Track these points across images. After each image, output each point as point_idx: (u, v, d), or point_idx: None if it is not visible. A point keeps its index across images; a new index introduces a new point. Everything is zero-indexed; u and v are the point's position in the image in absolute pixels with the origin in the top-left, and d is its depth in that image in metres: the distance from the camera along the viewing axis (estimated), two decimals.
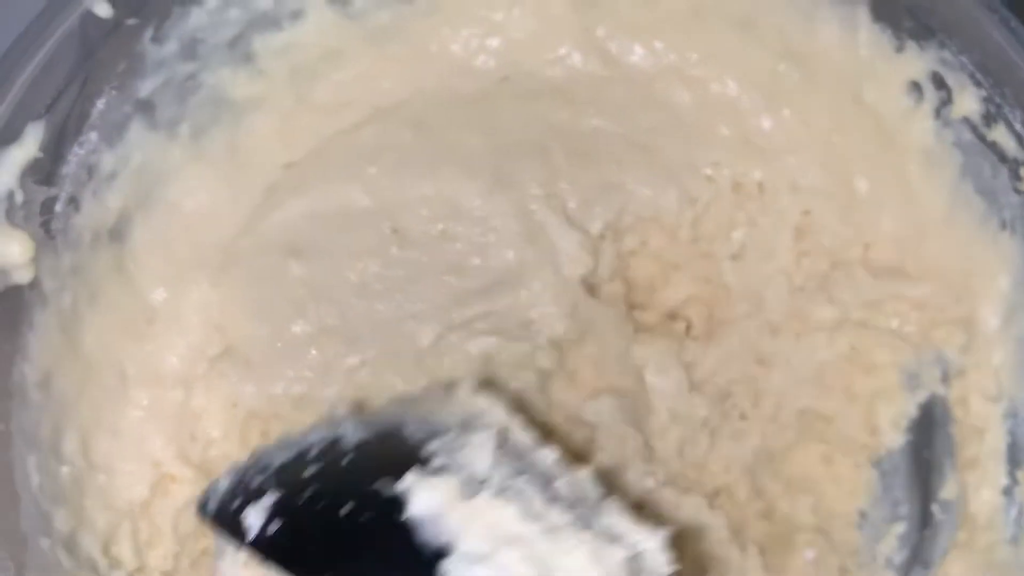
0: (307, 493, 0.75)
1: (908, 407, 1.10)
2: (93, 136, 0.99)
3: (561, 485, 0.79)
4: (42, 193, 0.96)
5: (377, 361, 1.09)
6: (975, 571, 0.98)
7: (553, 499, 0.76)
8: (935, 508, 1.06)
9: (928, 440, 1.09)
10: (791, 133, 1.12)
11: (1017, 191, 0.97)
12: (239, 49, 1.05)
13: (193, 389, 1.08)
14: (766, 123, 1.12)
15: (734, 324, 1.14)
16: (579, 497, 0.79)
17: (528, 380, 1.10)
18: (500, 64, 1.13)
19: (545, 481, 0.78)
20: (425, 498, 0.71)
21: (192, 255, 1.09)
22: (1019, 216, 0.98)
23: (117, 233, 1.04)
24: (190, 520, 1.05)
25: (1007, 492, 0.99)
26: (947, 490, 1.05)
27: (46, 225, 0.97)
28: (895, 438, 1.11)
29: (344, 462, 0.78)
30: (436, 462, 0.74)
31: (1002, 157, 0.98)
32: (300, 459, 0.79)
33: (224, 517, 0.76)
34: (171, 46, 1.01)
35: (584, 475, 0.82)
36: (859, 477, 1.12)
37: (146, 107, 1.02)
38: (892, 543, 1.09)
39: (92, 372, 1.03)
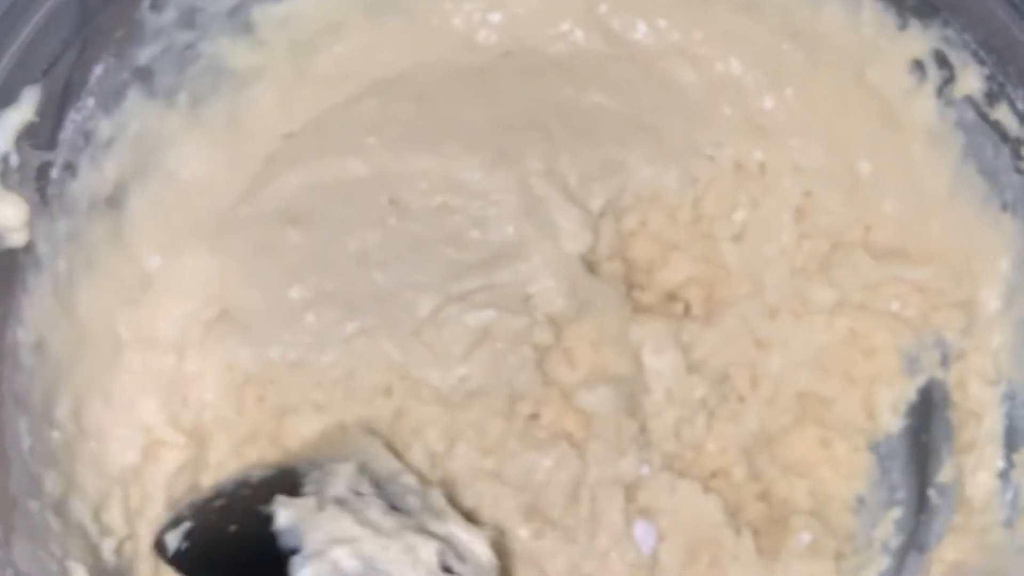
0: (212, 519, 0.98)
1: (907, 391, 1.10)
2: (90, 102, 0.99)
3: (411, 499, 0.98)
4: (38, 157, 0.96)
5: (374, 329, 1.09)
6: (969, 554, 0.97)
7: (393, 511, 0.95)
8: (931, 492, 1.06)
9: (926, 424, 1.08)
10: (794, 113, 1.11)
11: (1019, 171, 0.96)
12: (238, 19, 1.05)
13: (187, 354, 1.08)
14: (769, 103, 1.12)
15: (733, 306, 1.14)
16: (427, 509, 0.98)
17: (525, 355, 1.09)
18: (502, 39, 1.13)
19: (399, 497, 0.98)
20: (285, 514, 0.93)
21: (189, 223, 1.08)
22: (1020, 197, 0.97)
23: (114, 200, 1.04)
24: (182, 486, 1.06)
25: (1003, 475, 0.98)
26: (944, 474, 1.05)
27: (42, 190, 0.97)
28: (893, 422, 1.11)
29: (242, 494, 0.99)
30: (307, 489, 0.96)
31: (1004, 136, 0.97)
32: (214, 495, 1.00)
33: (157, 544, 0.98)
34: (170, 14, 1.01)
35: (435, 492, 1.00)
36: (857, 461, 1.12)
37: (144, 75, 1.02)
38: (888, 528, 1.08)
39: (86, 337, 1.03)
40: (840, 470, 1.12)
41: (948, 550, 0.99)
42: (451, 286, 1.10)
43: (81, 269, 1.02)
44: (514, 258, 1.11)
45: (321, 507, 0.93)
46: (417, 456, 1.08)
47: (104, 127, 1.01)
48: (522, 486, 1.08)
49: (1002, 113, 0.97)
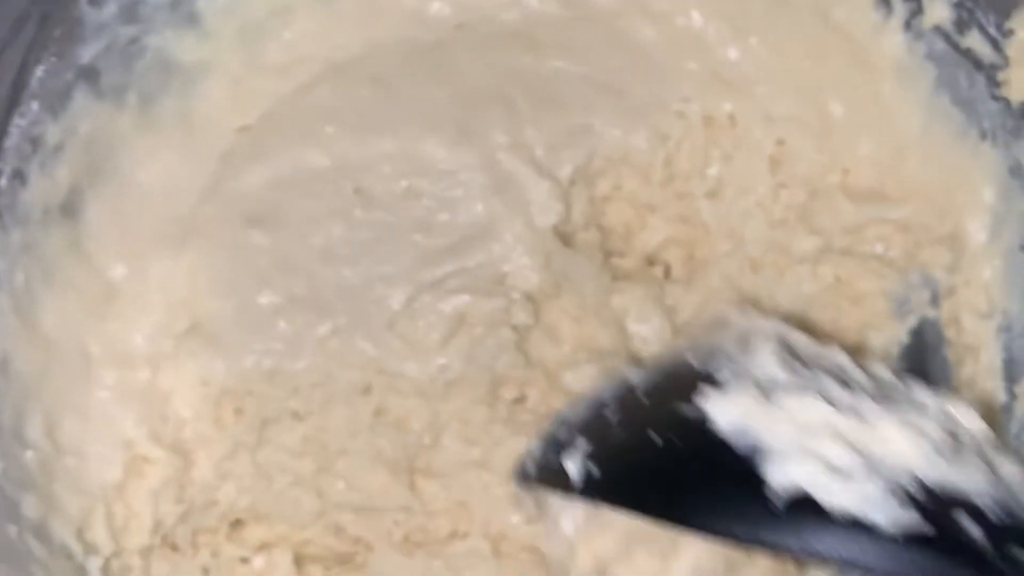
0: (616, 435, 0.80)
1: (899, 334, 1.08)
2: (34, 106, 0.96)
3: (855, 375, 0.79)
4: None
5: (347, 328, 1.06)
6: None
7: (850, 387, 0.76)
8: None
9: (922, 366, 1.07)
10: (760, 62, 1.10)
11: (995, 97, 0.95)
12: (182, 10, 1.03)
13: (160, 368, 1.05)
14: (734, 54, 1.10)
15: (715, 263, 1.12)
16: (877, 383, 0.80)
17: (505, 337, 1.07)
18: (455, 10, 1.11)
19: (838, 374, 0.79)
20: (725, 411, 0.74)
21: (150, 229, 1.05)
22: (999, 124, 0.96)
23: (69, 208, 1.01)
24: (169, 501, 1.03)
25: (1005, 409, 0.97)
26: None
27: None
28: (888, 367, 1.09)
29: (640, 402, 0.82)
30: (723, 376, 0.77)
31: (978, 64, 0.96)
32: (599, 410, 0.84)
33: (547, 475, 0.82)
34: (110, 8, 0.98)
35: (878, 365, 0.82)
36: None
37: (90, 74, 0.99)
38: None
39: (53, 353, 1.00)
40: None
41: None
42: (422, 274, 1.07)
43: (40, 283, 0.99)
44: (485, 238, 1.08)
45: (766, 394, 0.74)
46: (403, 450, 1.06)
47: (52, 131, 0.98)
48: (510, 473, 1.05)
49: (973, 40, 0.95)
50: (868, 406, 0.74)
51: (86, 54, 0.98)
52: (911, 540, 0.67)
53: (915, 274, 1.06)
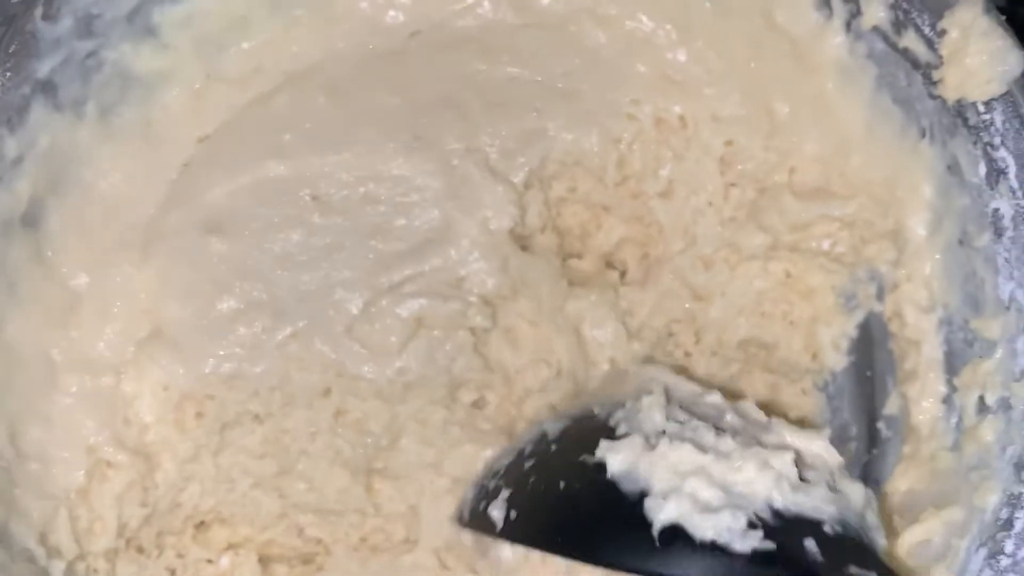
0: (530, 481, 0.92)
1: (847, 327, 1.10)
2: None
3: (730, 418, 0.93)
4: None
5: (306, 332, 1.08)
6: (920, 481, 0.97)
7: (721, 431, 0.89)
8: (881, 426, 1.07)
9: (869, 359, 1.09)
10: (707, 64, 1.11)
11: (932, 96, 0.96)
12: (139, 23, 1.04)
13: (123, 374, 1.06)
14: (682, 56, 1.12)
15: (668, 261, 1.14)
16: (747, 424, 0.92)
17: (463, 340, 1.09)
18: (409, 18, 1.12)
19: (716, 418, 0.92)
20: (618, 459, 0.86)
21: (112, 238, 1.07)
22: (936, 122, 0.97)
23: (31, 219, 1.02)
24: (133, 504, 1.05)
25: (946, 400, 0.98)
26: (891, 406, 1.06)
27: None
28: (837, 360, 1.11)
29: (552, 449, 0.94)
30: (621, 429, 0.90)
31: (915, 63, 0.97)
32: (519, 458, 0.95)
33: (476, 520, 0.94)
34: (65, 23, 0.99)
35: (747, 404, 0.95)
36: (807, 403, 1.13)
37: (47, 88, 1.00)
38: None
39: (16, 361, 1.01)
40: (791, 413, 1.12)
41: (900, 480, 1.00)
42: (380, 279, 1.09)
43: (3, 293, 1.01)
44: (442, 243, 1.10)
45: (650, 444, 0.87)
46: (362, 451, 1.08)
47: (10, 145, 0.99)
48: (461, 477, 1.07)
49: (910, 40, 0.97)
50: (732, 448, 0.87)
51: (43, 68, 0.99)
52: (758, 557, 0.80)
53: (862, 270, 1.08)
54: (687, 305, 1.14)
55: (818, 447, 0.89)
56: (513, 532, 0.90)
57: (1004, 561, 0.87)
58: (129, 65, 1.05)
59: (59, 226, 1.05)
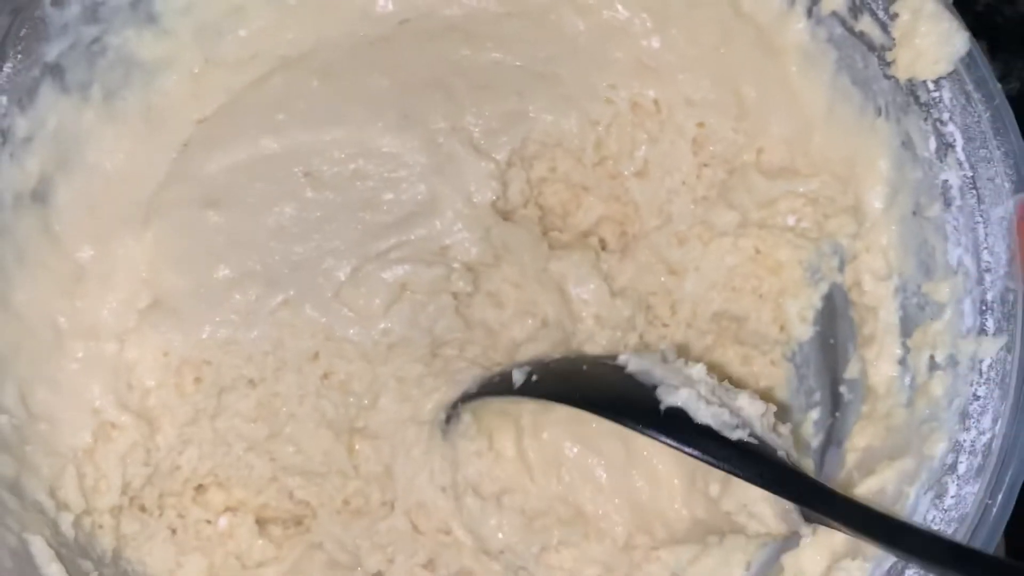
0: (553, 367, 1.07)
1: (813, 299, 1.15)
2: (3, 100, 1.02)
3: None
4: None
5: (297, 299, 1.13)
6: (876, 438, 1.02)
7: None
8: (843, 389, 1.11)
9: (832, 328, 1.14)
10: (680, 51, 1.17)
11: (887, 76, 1.01)
12: (141, 10, 1.09)
13: (126, 341, 1.12)
14: (656, 43, 1.17)
15: (645, 238, 1.19)
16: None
17: (445, 302, 1.14)
18: (399, 7, 1.18)
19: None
20: (636, 360, 1.03)
21: (115, 213, 1.12)
22: (891, 101, 1.02)
23: (39, 194, 1.08)
24: (136, 464, 1.10)
25: (902, 361, 1.03)
26: (851, 370, 1.10)
27: None
28: (804, 331, 1.16)
29: (574, 359, 1.10)
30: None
31: (871, 46, 1.02)
32: (540, 360, 1.10)
33: (488, 387, 1.09)
34: (72, 9, 1.04)
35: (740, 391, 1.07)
36: (776, 373, 1.18)
37: (55, 71, 1.06)
38: (809, 430, 1.14)
39: (25, 328, 1.07)
40: (763, 383, 1.17)
41: (858, 437, 1.04)
42: (368, 248, 1.14)
43: (13, 263, 1.06)
44: (428, 215, 1.15)
45: (667, 359, 1.05)
46: (344, 411, 1.13)
47: (21, 124, 1.04)
48: (434, 425, 1.12)
49: (866, 24, 1.01)
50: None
51: (51, 52, 1.04)
52: (743, 446, 0.97)
53: (826, 243, 1.13)
54: (663, 279, 1.19)
55: (752, 402, 1.03)
56: (533, 389, 1.05)
57: (948, 501, 0.92)
58: (132, 51, 1.11)
59: (66, 202, 1.10)
